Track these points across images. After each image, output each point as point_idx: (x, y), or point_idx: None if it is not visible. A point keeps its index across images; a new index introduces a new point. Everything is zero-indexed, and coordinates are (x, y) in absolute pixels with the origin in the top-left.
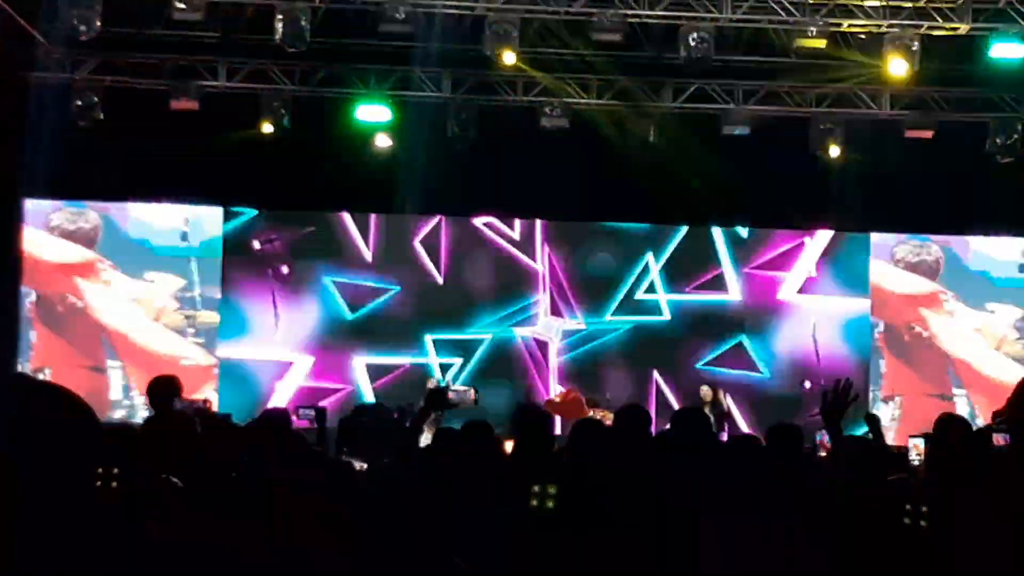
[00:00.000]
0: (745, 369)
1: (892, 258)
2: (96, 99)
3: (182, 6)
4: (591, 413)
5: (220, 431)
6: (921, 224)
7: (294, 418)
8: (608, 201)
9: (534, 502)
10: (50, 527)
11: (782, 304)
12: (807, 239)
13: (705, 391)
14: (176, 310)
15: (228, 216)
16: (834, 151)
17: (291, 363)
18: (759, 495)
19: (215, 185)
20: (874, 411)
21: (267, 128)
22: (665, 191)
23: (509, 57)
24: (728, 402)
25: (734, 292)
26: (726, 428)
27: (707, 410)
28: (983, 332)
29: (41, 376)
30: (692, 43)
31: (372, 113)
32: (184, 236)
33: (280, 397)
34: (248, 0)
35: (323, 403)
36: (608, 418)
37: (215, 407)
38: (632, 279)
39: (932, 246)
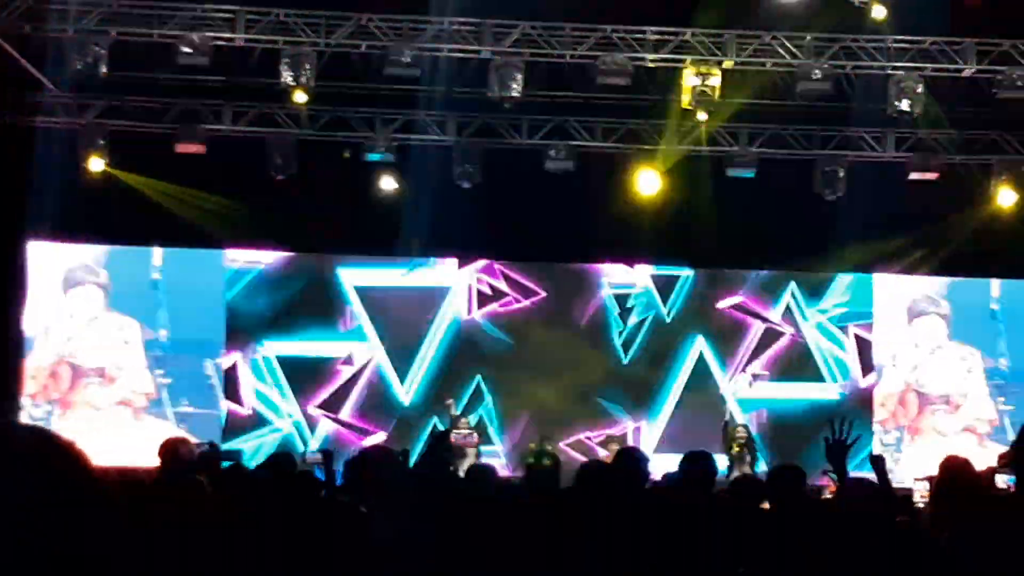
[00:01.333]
0: None
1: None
2: (102, 143)
3: (188, 50)
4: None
5: (229, 482)
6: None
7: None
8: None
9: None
10: None
11: None
12: None
13: (741, 431)
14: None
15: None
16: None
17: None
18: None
19: (220, 228)
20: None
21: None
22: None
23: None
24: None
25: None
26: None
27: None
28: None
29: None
30: (696, 86)
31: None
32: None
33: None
34: (254, 44)
35: None
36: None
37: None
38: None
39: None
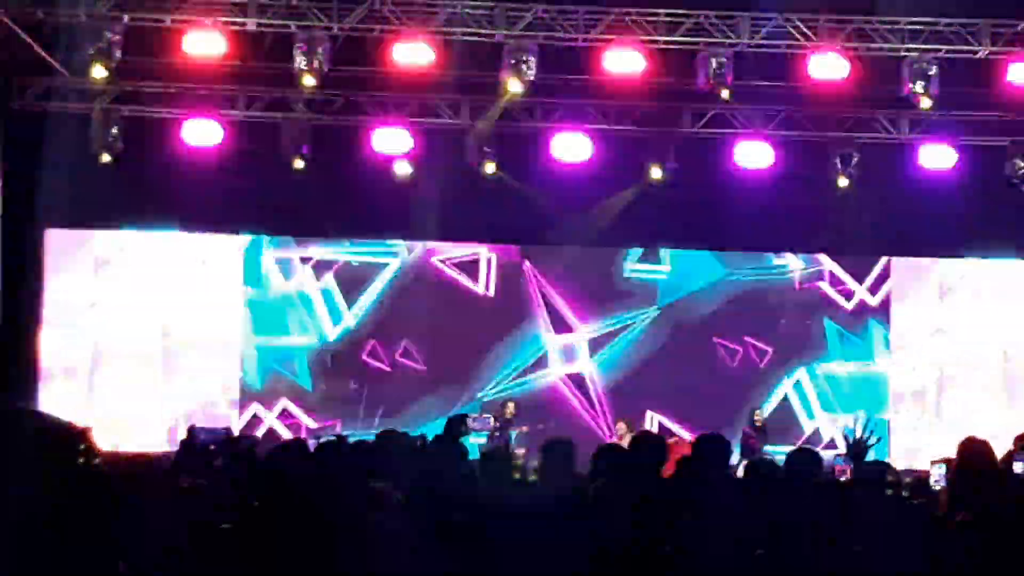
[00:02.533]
0: None
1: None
2: (115, 129)
3: (201, 36)
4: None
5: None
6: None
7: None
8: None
9: None
10: None
11: None
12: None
13: (757, 413)
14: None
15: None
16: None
17: None
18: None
19: (234, 214)
20: None
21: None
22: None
23: (515, 86)
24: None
25: None
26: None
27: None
28: None
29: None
30: (710, 68)
31: (391, 141)
32: (203, 263)
33: None
34: (267, 30)
35: None
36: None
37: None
38: None
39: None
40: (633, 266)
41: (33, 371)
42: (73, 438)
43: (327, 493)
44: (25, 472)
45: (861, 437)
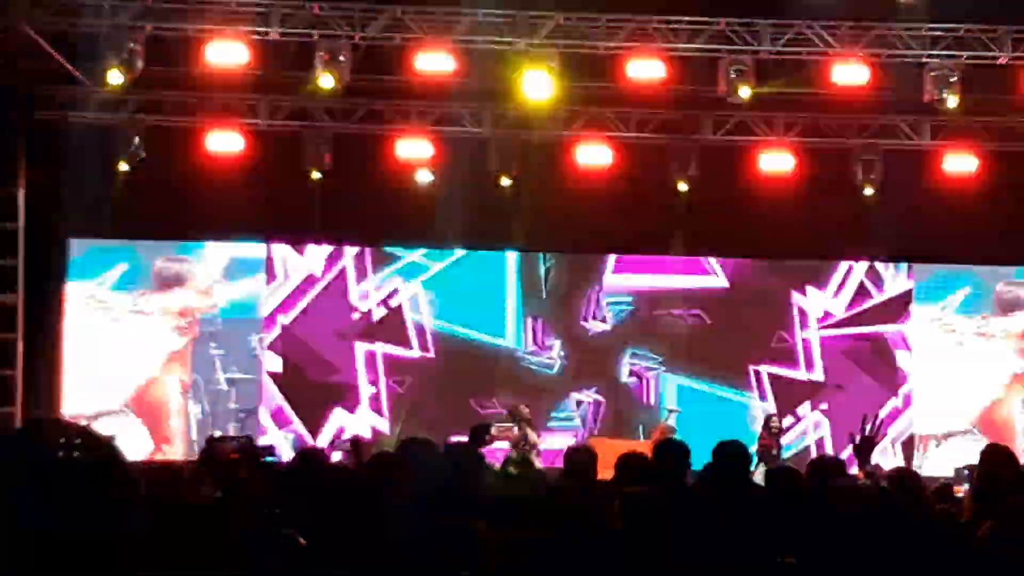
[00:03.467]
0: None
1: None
2: (137, 139)
3: (223, 45)
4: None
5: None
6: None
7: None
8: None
9: None
10: None
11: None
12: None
13: (773, 420)
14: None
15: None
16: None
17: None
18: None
19: (257, 222)
20: None
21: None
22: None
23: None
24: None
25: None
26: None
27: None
28: None
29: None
30: (732, 75)
31: (413, 149)
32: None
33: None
34: (288, 38)
35: None
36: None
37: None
38: None
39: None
40: None
41: (56, 380)
42: (102, 448)
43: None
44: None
45: (866, 435)
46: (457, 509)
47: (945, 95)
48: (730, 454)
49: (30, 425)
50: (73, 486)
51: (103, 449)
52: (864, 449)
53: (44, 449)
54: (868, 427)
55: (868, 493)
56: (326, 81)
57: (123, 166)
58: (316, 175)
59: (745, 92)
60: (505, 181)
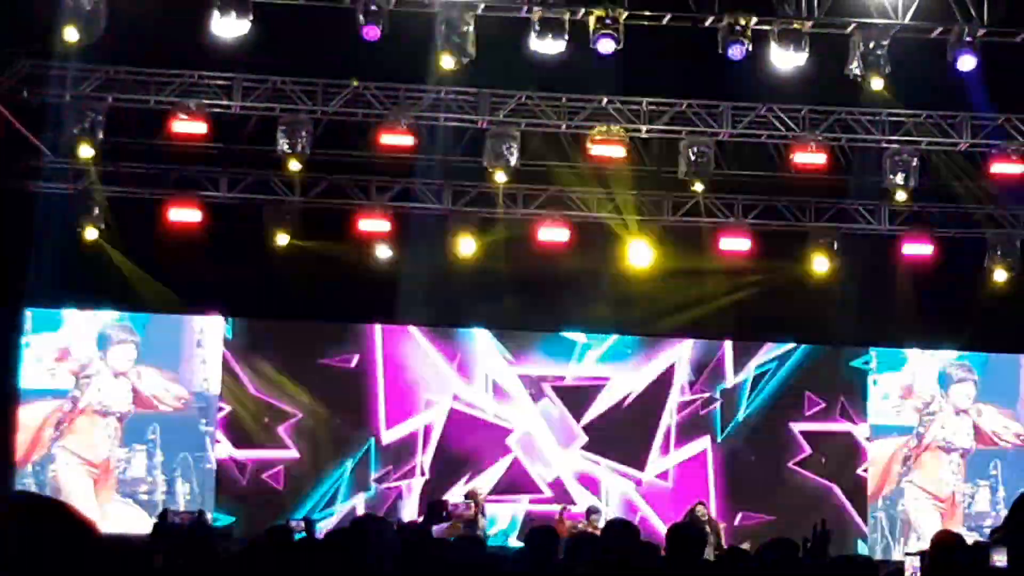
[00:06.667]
0: None
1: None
2: (99, 209)
3: (184, 117)
4: (582, 525)
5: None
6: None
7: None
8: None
9: None
10: None
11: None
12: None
13: (701, 509)
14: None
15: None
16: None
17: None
18: None
19: (217, 295)
20: None
21: (281, 240)
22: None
23: (501, 177)
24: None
25: None
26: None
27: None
28: None
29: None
30: (692, 157)
31: (373, 224)
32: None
33: None
34: (250, 112)
35: None
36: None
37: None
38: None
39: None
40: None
41: (10, 453)
42: (64, 517)
43: None
44: (20, 553)
45: (816, 542)
46: None
47: (902, 181)
48: (682, 535)
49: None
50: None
51: (65, 519)
52: (817, 550)
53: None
54: (818, 535)
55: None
56: (294, 165)
57: (90, 233)
58: (281, 242)
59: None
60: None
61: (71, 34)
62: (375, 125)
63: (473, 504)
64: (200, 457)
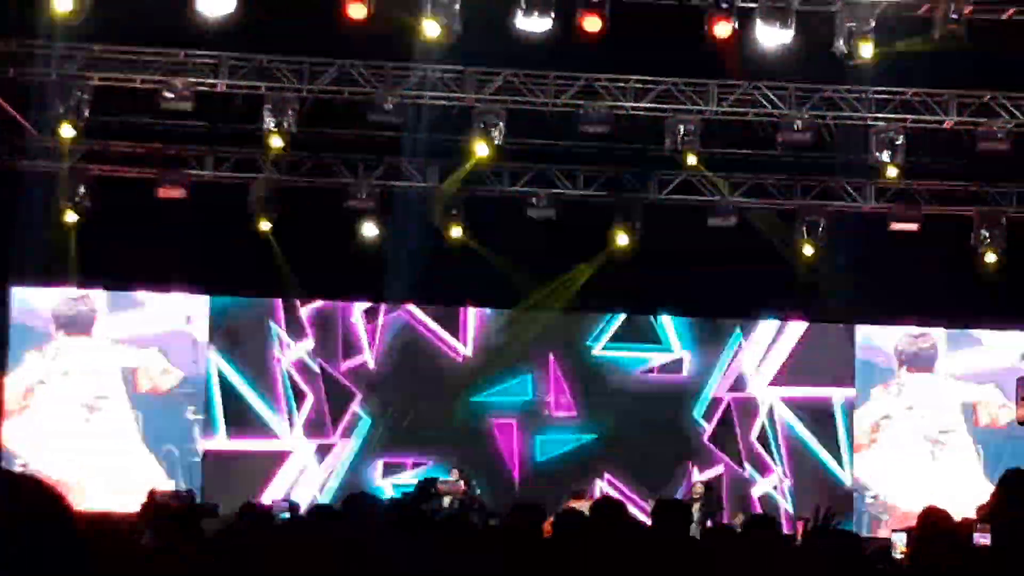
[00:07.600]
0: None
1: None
2: (85, 188)
3: (170, 95)
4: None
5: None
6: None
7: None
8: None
9: None
10: None
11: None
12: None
13: (698, 487)
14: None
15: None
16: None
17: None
18: None
19: (202, 273)
20: None
21: (264, 226)
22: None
23: (482, 149)
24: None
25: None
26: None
27: (697, 506)
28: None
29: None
30: (678, 135)
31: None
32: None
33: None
34: (236, 90)
35: None
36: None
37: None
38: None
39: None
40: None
41: None
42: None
43: None
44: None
45: (821, 526)
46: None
47: (888, 159)
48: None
49: None
50: (17, 537)
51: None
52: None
53: None
54: (821, 518)
55: (807, 552)
56: (276, 142)
57: (67, 215)
58: (265, 225)
59: (692, 160)
60: (455, 231)
61: (62, 3)
62: (361, 103)
63: (463, 481)
64: (187, 449)
